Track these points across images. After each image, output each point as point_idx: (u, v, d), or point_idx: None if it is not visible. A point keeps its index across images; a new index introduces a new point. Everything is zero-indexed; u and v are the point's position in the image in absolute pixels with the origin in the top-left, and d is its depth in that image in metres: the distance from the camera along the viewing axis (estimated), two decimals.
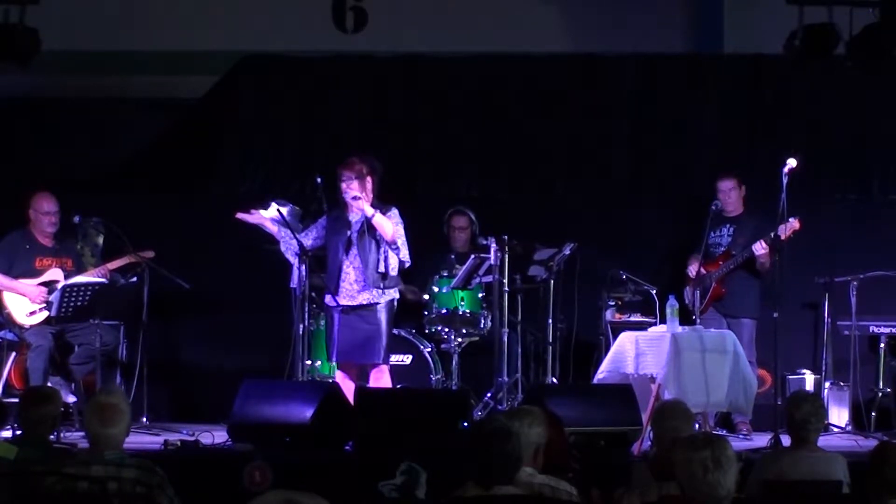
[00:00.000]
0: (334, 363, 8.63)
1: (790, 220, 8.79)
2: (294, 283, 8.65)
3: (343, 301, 8.47)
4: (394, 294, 8.62)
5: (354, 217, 8.55)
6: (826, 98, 10.61)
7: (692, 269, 9.49)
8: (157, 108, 11.43)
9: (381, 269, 8.51)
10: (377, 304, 8.50)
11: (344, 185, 8.48)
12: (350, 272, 8.50)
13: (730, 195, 9.50)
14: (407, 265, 8.68)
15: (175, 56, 11.74)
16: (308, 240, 8.56)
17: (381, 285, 8.51)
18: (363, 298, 8.48)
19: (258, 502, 3.21)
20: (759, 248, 9.19)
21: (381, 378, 8.53)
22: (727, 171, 9.65)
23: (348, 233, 8.53)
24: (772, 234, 8.83)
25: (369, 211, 8.42)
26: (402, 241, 8.53)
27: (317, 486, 3.60)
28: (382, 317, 8.51)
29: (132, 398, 8.69)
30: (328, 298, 8.58)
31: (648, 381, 8.43)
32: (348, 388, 8.28)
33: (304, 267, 8.53)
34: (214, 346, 10.26)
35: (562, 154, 10.82)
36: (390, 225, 8.46)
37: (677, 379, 8.28)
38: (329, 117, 10.86)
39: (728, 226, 9.47)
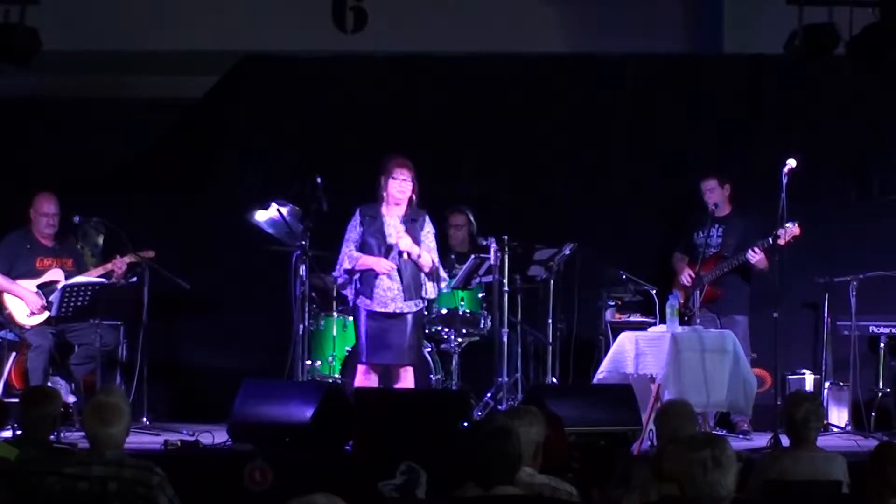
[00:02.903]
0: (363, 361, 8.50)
1: (789, 224, 8.75)
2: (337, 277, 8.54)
3: (375, 308, 8.38)
4: (423, 302, 8.59)
5: (389, 222, 8.44)
6: (826, 98, 10.61)
7: (685, 276, 9.47)
8: (157, 108, 11.41)
9: (424, 293, 8.47)
10: (409, 312, 8.44)
11: (401, 185, 8.37)
12: (384, 280, 8.37)
13: (713, 195, 9.49)
14: (444, 283, 8.68)
15: (175, 56, 11.72)
16: (359, 243, 8.40)
17: (419, 298, 8.48)
18: (395, 307, 8.39)
19: None
20: (753, 256, 9.14)
21: (406, 378, 8.48)
22: (708, 171, 9.64)
23: (384, 239, 8.42)
24: (769, 240, 8.83)
25: (416, 250, 8.35)
26: (441, 270, 8.50)
27: (317, 486, 3.60)
28: (410, 318, 8.44)
29: (132, 398, 8.68)
30: (359, 299, 8.42)
31: (648, 381, 8.44)
32: (371, 384, 8.28)
33: (304, 267, 8.50)
34: (214, 346, 10.25)
35: (562, 154, 10.82)
36: (428, 258, 8.41)
37: (677, 379, 8.29)
38: (329, 117, 10.85)
39: (717, 226, 9.45)
